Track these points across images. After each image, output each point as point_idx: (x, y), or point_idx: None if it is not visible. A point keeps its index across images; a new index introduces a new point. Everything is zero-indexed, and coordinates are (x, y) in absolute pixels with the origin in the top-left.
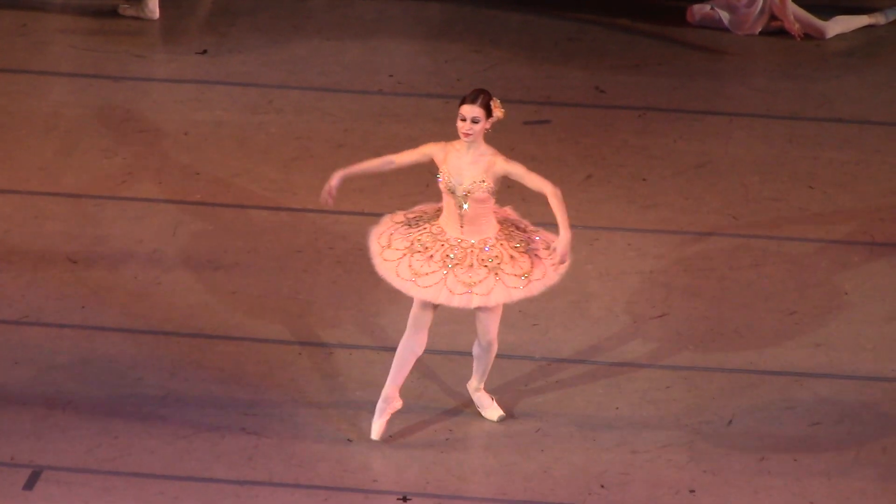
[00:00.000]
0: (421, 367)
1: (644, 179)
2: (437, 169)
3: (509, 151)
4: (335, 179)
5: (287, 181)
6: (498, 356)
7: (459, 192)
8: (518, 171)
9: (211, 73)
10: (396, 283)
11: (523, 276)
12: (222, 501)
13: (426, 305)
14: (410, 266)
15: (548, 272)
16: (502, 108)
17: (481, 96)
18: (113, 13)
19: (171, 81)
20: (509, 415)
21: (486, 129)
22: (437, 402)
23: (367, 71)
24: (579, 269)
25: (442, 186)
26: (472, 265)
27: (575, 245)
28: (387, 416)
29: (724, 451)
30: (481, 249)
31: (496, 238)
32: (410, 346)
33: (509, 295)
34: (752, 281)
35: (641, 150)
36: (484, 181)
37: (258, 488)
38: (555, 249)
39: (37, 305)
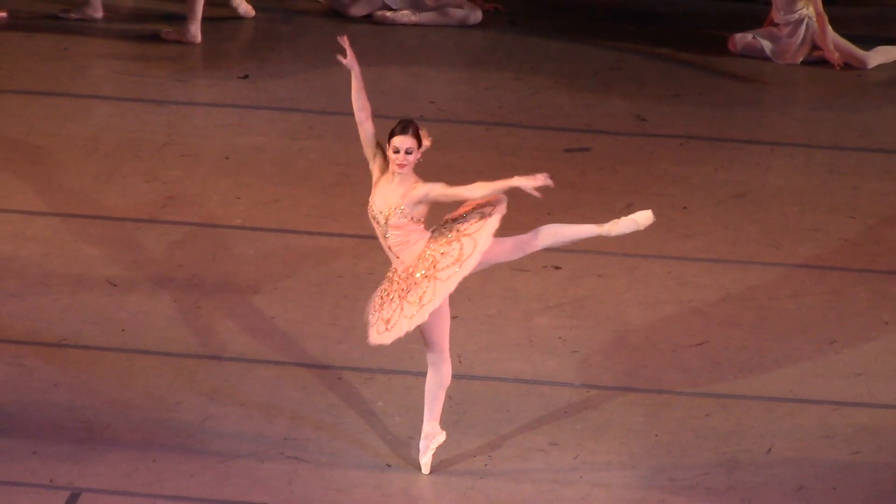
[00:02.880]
0: (459, 393)
1: (684, 208)
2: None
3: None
4: (352, 62)
5: (327, 206)
6: (537, 383)
7: (381, 220)
8: (436, 187)
9: (252, 97)
10: (382, 339)
11: (455, 261)
12: None
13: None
14: (383, 319)
15: (478, 239)
16: (429, 136)
17: (411, 126)
18: (154, 37)
19: (212, 106)
20: (550, 442)
21: (419, 160)
22: (475, 427)
23: (408, 97)
24: (619, 296)
25: (370, 214)
26: (416, 283)
27: (614, 273)
28: (432, 451)
29: (762, 479)
30: (418, 266)
31: (426, 246)
32: (436, 382)
33: (447, 285)
34: (791, 310)
35: (681, 178)
36: (400, 207)
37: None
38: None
39: (76, 329)
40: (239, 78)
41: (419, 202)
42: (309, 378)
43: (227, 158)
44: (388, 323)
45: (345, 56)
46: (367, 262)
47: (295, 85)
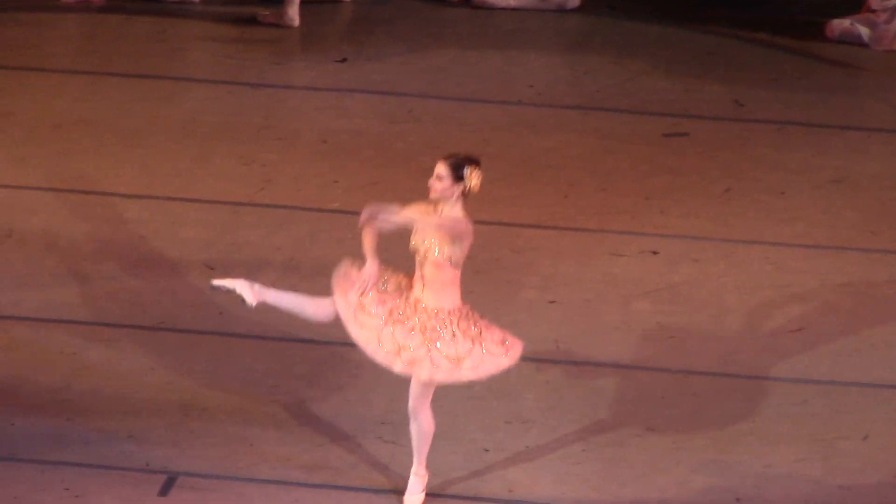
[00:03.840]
0: (556, 378)
1: (782, 193)
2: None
3: (648, 164)
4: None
5: (425, 190)
6: (635, 368)
7: (420, 254)
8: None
9: (350, 81)
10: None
11: (456, 359)
12: None
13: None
14: (394, 336)
15: (482, 364)
16: (478, 179)
17: (456, 159)
18: (252, 20)
19: (310, 89)
20: (647, 427)
21: (456, 195)
22: (572, 412)
23: (506, 81)
24: (716, 281)
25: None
26: (412, 329)
27: (712, 258)
28: (420, 493)
29: (859, 466)
30: (437, 316)
31: (448, 314)
32: (415, 429)
33: (498, 363)
34: (889, 296)
35: (779, 164)
36: (431, 240)
37: (393, 497)
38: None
39: (173, 312)
40: (336, 61)
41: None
42: None
43: (324, 142)
44: (402, 350)
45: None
46: None
47: (393, 68)
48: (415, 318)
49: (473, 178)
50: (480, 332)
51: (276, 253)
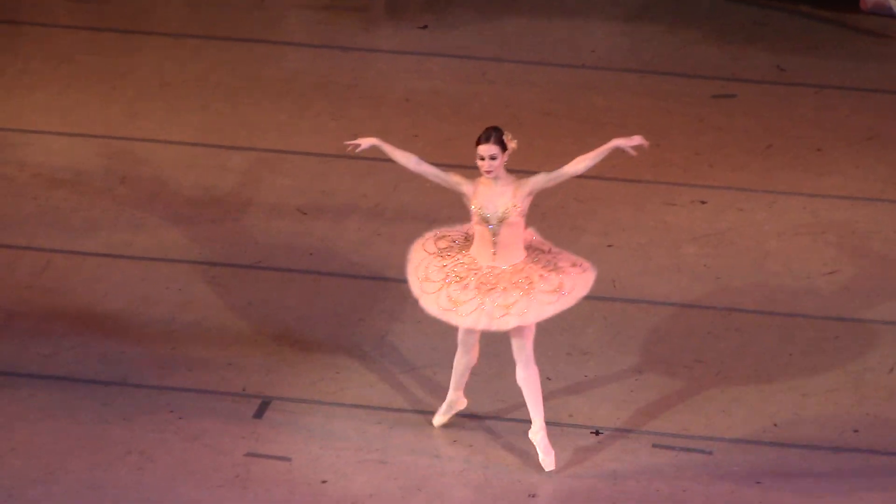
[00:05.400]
0: (613, 314)
1: (819, 150)
2: (466, 200)
3: (698, 123)
4: (366, 143)
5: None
6: (684, 306)
7: (494, 221)
8: (539, 179)
9: (430, 46)
10: (438, 313)
11: (553, 291)
12: (431, 433)
13: (469, 329)
14: (449, 296)
15: (577, 284)
16: (514, 140)
17: (493, 134)
18: None
19: (395, 53)
20: (695, 359)
21: (505, 162)
22: (626, 346)
23: (572, 47)
24: (758, 229)
25: (476, 217)
26: (505, 289)
27: (755, 207)
28: (451, 414)
29: (885, 395)
30: (511, 274)
31: (524, 262)
32: (465, 363)
33: (543, 311)
34: None
35: (817, 123)
36: (516, 205)
37: (465, 420)
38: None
39: (269, 252)
40: (418, 28)
41: (529, 194)
42: None
43: (406, 101)
44: (456, 304)
45: (356, 147)
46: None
47: (469, 34)
48: (499, 283)
49: (513, 141)
50: (556, 260)
51: (362, 200)
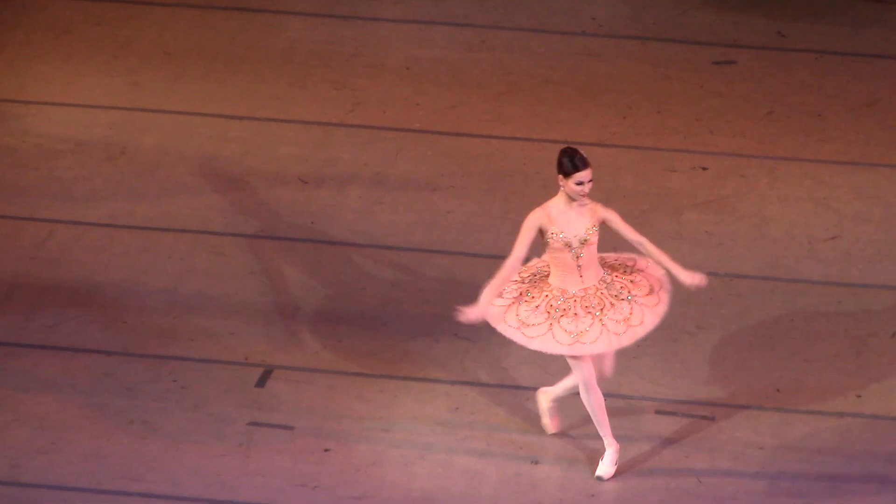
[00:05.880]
0: None
1: (819, 115)
2: (545, 232)
3: (699, 89)
4: (475, 315)
5: (498, 112)
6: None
7: (576, 244)
8: (614, 218)
9: (432, 14)
10: (576, 350)
11: (622, 321)
12: (434, 400)
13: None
14: (565, 330)
15: (645, 318)
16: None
17: (587, 159)
18: None
19: (396, 21)
20: (697, 325)
21: None
22: None
23: (572, 14)
24: (760, 195)
25: (557, 245)
26: (612, 304)
27: (756, 173)
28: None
29: (888, 359)
30: (607, 288)
31: (595, 287)
32: (599, 397)
33: (610, 343)
34: None
35: (818, 89)
36: (595, 225)
37: (467, 388)
38: (665, 289)
39: (270, 221)
40: None
41: (602, 221)
42: (481, 266)
43: (407, 69)
44: (579, 336)
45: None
46: (534, 161)
47: (469, 2)
48: (603, 301)
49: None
50: (630, 284)
51: (363, 168)
